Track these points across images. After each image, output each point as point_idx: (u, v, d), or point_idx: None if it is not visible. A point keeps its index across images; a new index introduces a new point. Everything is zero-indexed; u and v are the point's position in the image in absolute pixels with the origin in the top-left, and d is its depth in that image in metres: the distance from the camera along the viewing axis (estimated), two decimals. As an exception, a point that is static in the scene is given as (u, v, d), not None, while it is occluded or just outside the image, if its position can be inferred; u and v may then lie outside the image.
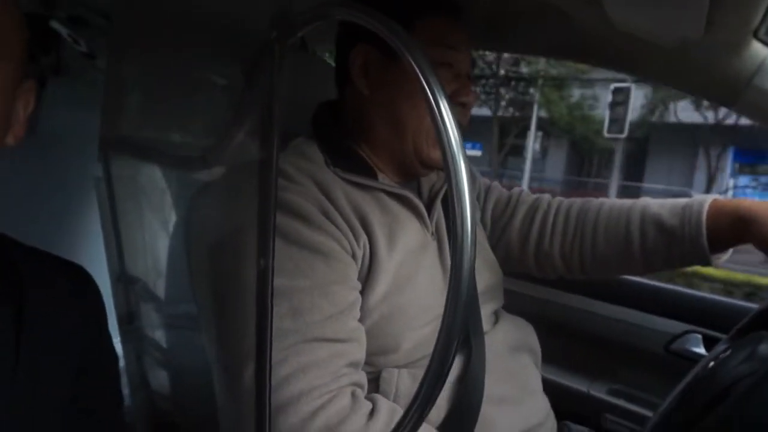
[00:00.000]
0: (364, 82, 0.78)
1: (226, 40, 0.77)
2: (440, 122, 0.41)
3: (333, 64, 0.85)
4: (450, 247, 0.82)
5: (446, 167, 0.41)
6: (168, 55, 0.80)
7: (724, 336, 1.11)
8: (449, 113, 0.42)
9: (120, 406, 0.65)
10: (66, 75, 1.39)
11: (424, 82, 0.41)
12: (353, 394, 0.67)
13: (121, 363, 0.89)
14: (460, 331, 0.45)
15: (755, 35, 0.69)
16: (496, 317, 0.93)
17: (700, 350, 1.17)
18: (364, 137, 0.81)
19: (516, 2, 0.83)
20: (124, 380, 0.90)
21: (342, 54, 0.81)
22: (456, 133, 0.42)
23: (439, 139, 0.42)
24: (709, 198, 0.86)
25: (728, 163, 12.14)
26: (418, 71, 0.41)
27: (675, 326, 1.21)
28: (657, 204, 0.90)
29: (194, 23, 0.78)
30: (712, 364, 0.64)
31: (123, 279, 0.84)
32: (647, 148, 13.37)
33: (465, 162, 0.42)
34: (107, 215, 0.83)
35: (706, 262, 0.86)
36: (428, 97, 0.41)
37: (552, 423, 0.91)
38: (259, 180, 0.54)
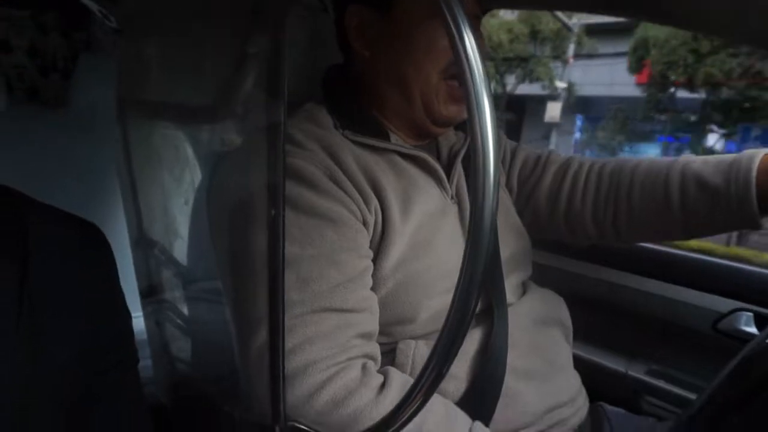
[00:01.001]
0: (362, 44, 0.75)
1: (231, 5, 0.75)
2: (464, 59, 0.37)
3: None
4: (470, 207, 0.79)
5: (470, 111, 0.37)
6: (181, 16, 0.78)
7: (777, 314, 1.03)
8: (474, 47, 0.37)
9: (134, 365, 0.64)
10: (97, 50, 1.41)
11: (445, 9, 0.37)
12: (364, 366, 0.65)
13: (143, 329, 0.90)
14: (476, 300, 0.41)
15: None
16: (524, 289, 0.89)
17: (752, 329, 1.08)
18: (373, 99, 0.78)
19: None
20: (145, 348, 0.91)
21: (339, 16, 0.78)
22: (483, 74, 0.38)
23: (463, 80, 0.38)
24: (761, 153, 0.76)
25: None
26: (447, 15, 0.37)
27: (723, 303, 1.12)
28: (700, 160, 0.81)
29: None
30: (766, 342, 0.58)
31: (142, 243, 0.84)
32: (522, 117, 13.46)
33: (491, 108, 0.38)
34: (126, 180, 0.83)
35: (756, 225, 0.76)
36: (450, 29, 0.37)
37: (584, 401, 0.86)
38: (268, 144, 0.52)
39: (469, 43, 0.38)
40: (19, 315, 0.50)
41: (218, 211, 0.77)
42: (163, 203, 0.82)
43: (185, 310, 0.84)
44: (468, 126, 0.39)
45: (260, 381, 0.61)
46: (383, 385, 0.64)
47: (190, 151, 0.82)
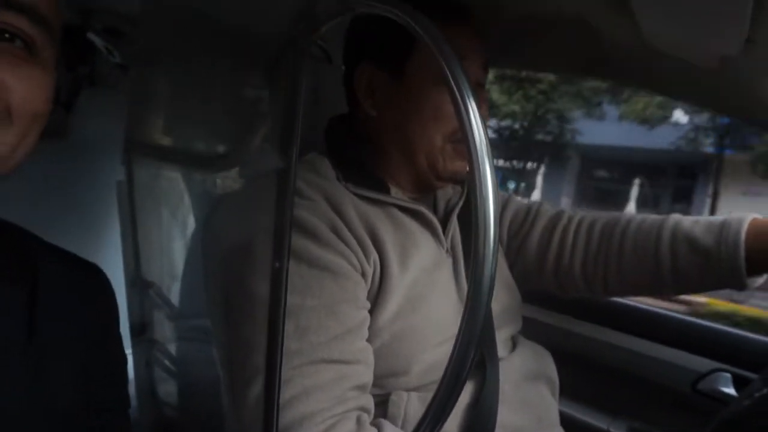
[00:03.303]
0: (370, 103, 0.77)
1: (250, 46, 0.78)
2: (467, 124, 0.40)
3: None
4: (467, 263, 0.81)
5: (472, 173, 0.40)
6: (191, 61, 0.81)
7: (755, 376, 1.05)
8: (477, 114, 0.40)
9: (126, 409, 0.63)
10: (100, 85, 1.43)
11: (451, 80, 0.40)
12: (358, 420, 0.65)
13: (131, 370, 0.89)
14: (474, 356, 0.43)
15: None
16: (513, 343, 0.90)
17: (730, 390, 1.10)
18: (376, 153, 0.80)
19: (542, 15, 0.80)
20: (132, 388, 0.89)
21: (348, 71, 0.80)
22: (484, 138, 0.41)
23: (466, 143, 0.41)
24: (749, 216, 0.80)
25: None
26: (445, 67, 0.40)
27: (703, 364, 1.15)
28: (690, 221, 0.85)
29: (217, 30, 0.79)
30: (746, 402, 0.60)
31: (138, 283, 0.84)
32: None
33: (492, 170, 0.40)
34: (127, 219, 0.83)
35: (743, 286, 0.80)
36: (455, 97, 0.40)
37: (569, 459, 0.87)
38: (277, 188, 0.53)
39: (472, 110, 0.41)
40: (28, 343, 0.51)
41: (215, 256, 0.77)
42: (164, 245, 0.83)
43: (176, 354, 0.84)
44: (470, 186, 0.41)
45: (253, 430, 0.61)
46: None
47: (194, 194, 0.83)
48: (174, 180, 0.82)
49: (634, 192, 9.08)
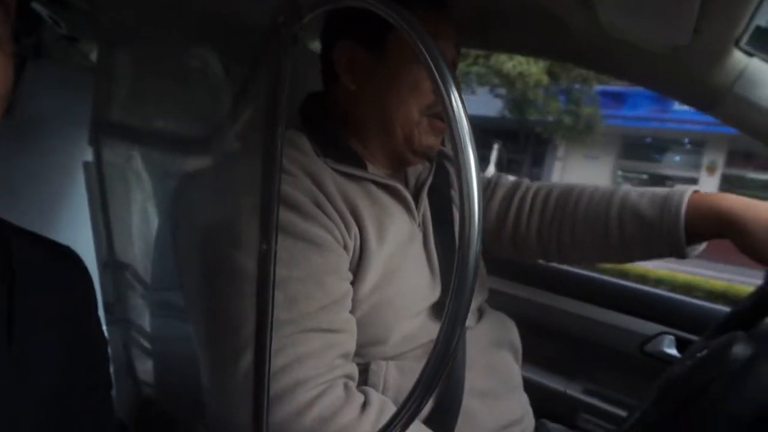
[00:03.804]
0: (350, 78, 0.79)
1: (223, 25, 0.77)
2: (450, 108, 0.42)
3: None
4: (436, 237, 0.84)
5: (456, 154, 0.42)
6: (160, 40, 0.79)
7: (696, 338, 1.15)
8: (458, 99, 0.42)
9: (109, 390, 0.64)
10: (47, 57, 1.37)
11: (434, 69, 0.42)
12: (346, 386, 0.69)
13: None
14: (461, 331, 0.44)
15: (737, 44, 0.72)
16: (480, 313, 0.95)
17: (673, 352, 1.20)
18: (353, 129, 0.82)
19: (506, 1, 0.84)
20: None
21: (327, 49, 0.82)
22: (465, 119, 0.42)
23: (449, 126, 0.42)
24: (689, 190, 0.86)
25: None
26: (428, 58, 0.42)
27: (650, 327, 1.25)
28: (637, 193, 0.91)
29: (188, 7, 0.77)
30: (688, 363, 0.66)
31: (111, 265, 0.83)
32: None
33: (473, 150, 0.42)
34: (96, 200, 0.82)
35: (682, 255, 0.86)
36: (438, 84, 0.42)
37: (530, 420, 0.93)
38: (263, 169, 0.54)
39: (454, 88, 0.43)
40: (10, 340, 0.50)
41: (188, 233, 0.78)
42: (137, 226, 0.82)
43: (153, 333, 0.84)
44: (454, 159, 0.43)
45: (243, 402, 0.63)
46: (364, 404, 0.68)
47: (166, 174, 0.82)
48: (145, 162, 0.81)
49: (494, 156, 9.70)
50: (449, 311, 0.44)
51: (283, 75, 0.49)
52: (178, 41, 0.79)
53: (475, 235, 0.43)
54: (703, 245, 0.88)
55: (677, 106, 8.80)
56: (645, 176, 11.26)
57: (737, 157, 9.83)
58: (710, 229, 0.83)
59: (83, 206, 0.86)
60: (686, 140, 10.73)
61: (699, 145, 10.38)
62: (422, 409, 0.47)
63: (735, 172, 9.99)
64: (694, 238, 0.85)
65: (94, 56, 1.27)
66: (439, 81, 0.43)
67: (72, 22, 1.20)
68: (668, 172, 11.00)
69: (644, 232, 0.87)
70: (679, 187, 0.88)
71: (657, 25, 0.62)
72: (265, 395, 0.57)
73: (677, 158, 11.23)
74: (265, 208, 0.52)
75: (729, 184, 9.72)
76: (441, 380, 0.76)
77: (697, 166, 10.44)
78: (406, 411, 0.48)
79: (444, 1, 0.81)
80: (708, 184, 9.62)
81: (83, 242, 0.87)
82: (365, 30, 0.78)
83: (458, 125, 0.42)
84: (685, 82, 0.80)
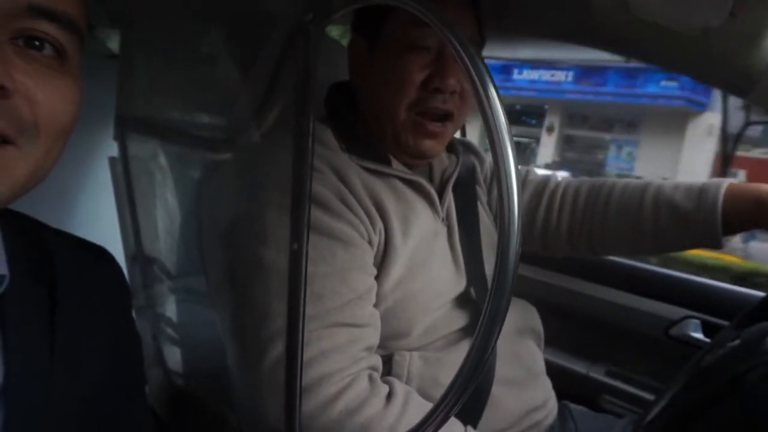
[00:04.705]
0: (353, 73, 0.80)
1: (250, 19, 0.76)
2: (486, 104, 0.41)
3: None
4: (461, 232, 0.84)
5: (493, 152, 0.42)
6: (186, 34, 0.79)
7: (723, 322, 1.14)
8: (496, 98, 0.42)
9: (143, 385, 0.66)
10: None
11: (471, 68, 0.41)
12: (370, 378, 0.70)
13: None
14: (501, 325, 0.45)
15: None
16: (505, 302, 0.95)
17: (700, 336, 1.19)
18: (369, 123, 0.81)
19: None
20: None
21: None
22: (502, 115, 0.42)
23: (485, 121, 0.42)
24: (725, 182, 0.86)
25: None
26: (464, 57, 0.41)
27: (675, 311, 1.24)
28: (671, 186, 0.90)
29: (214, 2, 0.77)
30: (720, 351, 0.65)
31: (139, 258, 0.84)
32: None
33: (512, 147, 0.42)
34: (123, 195, 0.83)
35: (718, 245, 0.87)
36: (475, 83, 0.42)
37: (553, 403, 0.93)
38: (293, 170, 0.54)
39: (491, 85, 0.42)
40: (53, 341, 0.51)
41: (213, 226, 0.78)
42: (164, 220, 0.83)
43: (182, 326, 0.86)
44: (491, 154, 0.43)
45: (274, 394, 0.64)
46: (389, 395, 0.69)
47: (193, 168, 0.82)
48: (172, 156, 0.81)
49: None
50: (488, 310, 0.44)
51: (312, 71, 0.48)
52: (204, 31, 0.78)
53: (515, 236, 0.44)
54: (738, 235, 0.88)
55: (516, 75, 11.01)
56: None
57: (574, 119, 11.93)
58: (748, 218, 0.84)
59: (103, 199, 0.87)
60: (517, 106, 12.21)
61: (540, 110, 12.12)
62: (459, 406, 0.48)
63: (570, 131, 12.11)
64: (729, 227, 0.85)
65: (111, 44, 1.27)
66: (476, 79, 0.42)
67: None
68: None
69: (680, 224, 0.88)
70: (713, 179, 0.89)
71: (689, 7, 0.60)
72: (297, 388, 0.58)
73: (533, 121, 12.54)
74: (296, 208, 0.52)
75: (564, 141, 12.06)
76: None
77: (540, 128, 12.21)
78: (444, 408, 0.48)
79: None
80: (548, 144, 11.89)
81: (104, 235, 0.88)
82: (365, 24, 0.78)
83: (495, 122, 0.42)
84: (717, 66, 0.78)
